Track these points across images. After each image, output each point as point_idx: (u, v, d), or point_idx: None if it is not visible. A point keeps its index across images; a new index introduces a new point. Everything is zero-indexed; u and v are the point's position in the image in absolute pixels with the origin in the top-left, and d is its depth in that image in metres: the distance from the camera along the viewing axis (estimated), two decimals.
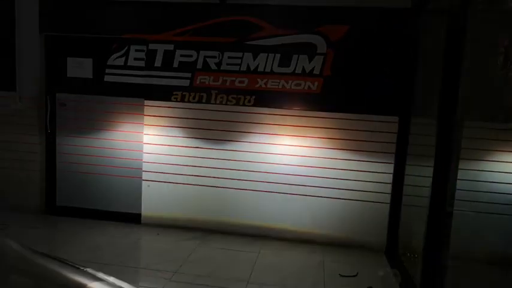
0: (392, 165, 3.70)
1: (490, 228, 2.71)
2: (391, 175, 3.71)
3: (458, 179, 2.39)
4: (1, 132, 4.26)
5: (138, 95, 4.06)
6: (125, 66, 4.07)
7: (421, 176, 3.38)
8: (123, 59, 4.07)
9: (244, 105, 3.90)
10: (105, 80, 4.13)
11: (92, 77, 4.16)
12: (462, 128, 2.39)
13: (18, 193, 4.28)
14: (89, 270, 1.35)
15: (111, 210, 4.21)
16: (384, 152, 3.72)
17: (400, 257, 3.43)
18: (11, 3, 4.06)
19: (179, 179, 4.07)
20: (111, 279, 1.32)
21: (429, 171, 2.53)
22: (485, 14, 2.53)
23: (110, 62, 4.09)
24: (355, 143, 3.77)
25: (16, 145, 4.27)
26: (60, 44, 4.18)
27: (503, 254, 2.70)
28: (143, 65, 4.01)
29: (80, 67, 4.17)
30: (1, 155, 4.29)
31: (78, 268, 1.34)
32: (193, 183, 4.05)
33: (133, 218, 4.15)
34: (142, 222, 4.14)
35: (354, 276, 3.17)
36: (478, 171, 3.02)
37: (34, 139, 4.27)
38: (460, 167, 2.39)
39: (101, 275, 1.33)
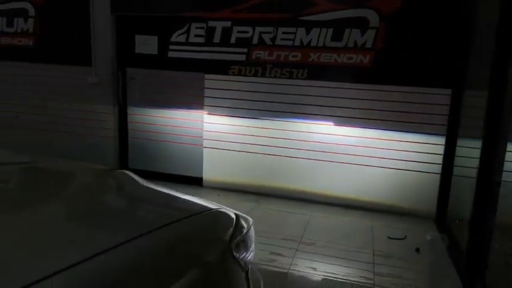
0: (444, 137, 3.80)
1: None
2: (443, 146, 3.81)
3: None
4: (79, 103, 4.81)
5: (198, 69, 4.39)
6: (187, 43, 4.40)
7: (472, 147, 3.48)
8: (185, 36, 4.40)
9: (297, 78, 4.12)
10: (168, 55, 4.49)
11: (157, 53, 4.54)
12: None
13: (95, 156, 4.85)
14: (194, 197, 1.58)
15: (176, 173, 4.67)
16: (436, 124, 3.81)
17: (449, 224, 3.59)
18: None
19: (237, 146, 4.42)
20: (214, 203, 1.51)
21: (480, 143, 2.65)
22: None
23: (173, 39, 4.44)
24: (407, 115, 3.88)
25: (93, 114, 4.81)
26: (129, 23, 4.57)
27: None
28: (203, 41, 4.32)
29: (146, 44, 4.56)
30: (80, 123, 4.87)
31: (186, 194, 1.58)
32: (250, 150, 4.38)
33: (196, 181, 4.60)
34: (203, 185, 4.59)
35: (402, 239, 3.40)
36: None
37: (108, 109, 4.78)
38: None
39: (204, 199, 1.55)
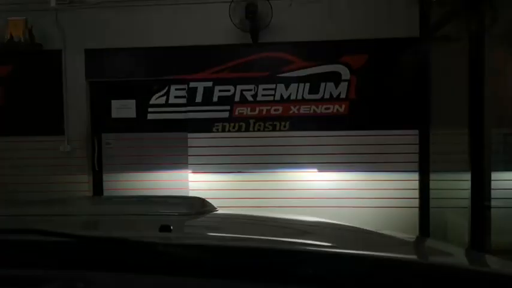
0: (417, 173, 4.22)
1: None
2: (417, 182, 4.22)
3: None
4: (52, 174, 4.51)
5: (181, 129, 4.44)
6: (167, 104, 4.47)
7: (444, 180, 3.92)
8: (165, 97, 4.47)
9: (280, 130, 4.36)
10: (148, 118, 4.50)
11: (135, 116, 4.52)
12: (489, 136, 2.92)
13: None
14: None
15: None
16: (409, 162, 4.23)
17: None
18: (58, 55, 4.41)
19: (224, 202, 4.42)
20: None
21: (452, 176, 3.03)
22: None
23: (152, 102, 4.48)
24: (382, 156, 4.27)
25: (66, 185, 4.52)
26: (104, 89, 4.54)
27: None
28: (184, 101, 4.42)
29: (123, 108, 4.53)
30: (54, 196, 4.53)
31: None
32: (238, 205, 4.41)
33: None
34: None
35: None
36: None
37: (83, 178, 4.55)
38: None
39: None
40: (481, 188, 2.91)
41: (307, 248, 0.91)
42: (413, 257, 1.16)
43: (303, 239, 1.18)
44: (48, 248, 0.80)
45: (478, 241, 2.94)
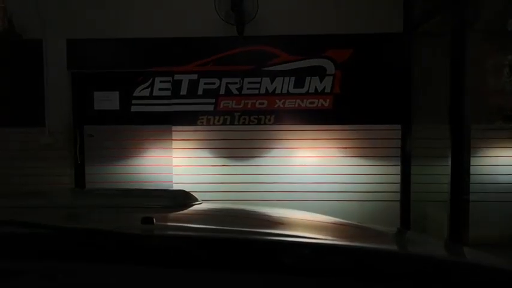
0: (399, 167, 4.30)
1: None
2: (399, 176, 4.30)
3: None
4: (32, 166, 4.43)
5: (165, 122, 4.41)
6: (151, 97, 4.42)
7: (424, 174, 4.00)
8: (149, 90, 4.42)
9: (265, 124, 4.37)
10: (132, 110, 4.44)
11: (118, 109, 4.46)
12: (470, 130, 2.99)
13: None
14: None
15: None
16: (392, 156, 4.31)
17: None
18: (39, 44, 4.30)
19: (210, 196, 4.43)
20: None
21: (432, 169, 3.10)
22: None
23: (136, 94, 4.43)
24: (364, 150, 4.33)
25: (47, 178, 4.44)
26: (87, 80, 4.45)
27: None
28: (169, 94, 4.38)
29: (106, 100, 4.46)
30: (34, 188, 4.45)
31: None
32: (223, 198, 4.42)
33: None
34: None
35: None
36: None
37: (64, 171, 4.47)
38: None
39: None
40: (460, 182, 2.98)
41: (286, 238, 0.93)
42: (393, 247, 1.19)
43: (282, 230, 1.20)
44: (27, 239, 0.79)
45: (456, 234, 3.02)
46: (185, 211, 1.42)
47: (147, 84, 4.42)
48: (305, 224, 1.38)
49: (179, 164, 4.43)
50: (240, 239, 0.84)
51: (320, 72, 4.30)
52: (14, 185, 4.38)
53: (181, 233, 0.99)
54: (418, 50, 4.12)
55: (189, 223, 1.30)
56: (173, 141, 4.42)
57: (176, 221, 1.34)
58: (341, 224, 1.45)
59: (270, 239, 0.88)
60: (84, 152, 4.53)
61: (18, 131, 4.41)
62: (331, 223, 1.44)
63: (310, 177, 4.39)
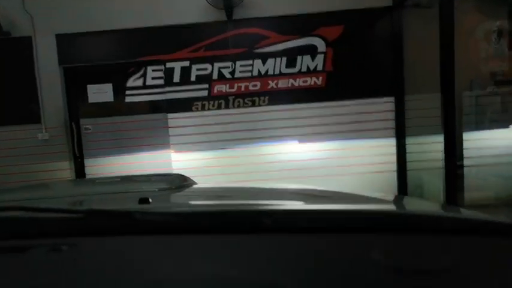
0: (395, 138, 4.35)
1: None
2: (395, 147, 4.36)
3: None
4: (32, 162, 4.47)
5: (160, 110, 4.43)
6: (144, 86, 4.43)
7: (418, 143, 4.06)
8: (142, 79, 4.43)
9: (259, 105, 4.40)
10: (126, 101, 4.46)
11: (113, 100, 4.48)
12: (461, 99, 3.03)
13: None
14: None
15: None
16: (386, 128, 4.36)
17: None
18: (28, 41, 4.29)
19: (210, 180, 4.49)
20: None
21: (426, 139, 3.16)
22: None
23: (129, 84, 4.44)
24: (361, 124, 4.38)
25: (47, 173, 4.50)
26: (79, 74, 4.46)
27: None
28: (162, 82, 4.40)
29: (100, 92, 4.48)
30: (35, 183, 4.51)
31: None
32: (223, 181, 4.48)
33: None
34: None
35: None
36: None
37: (64, 165, 4.52)
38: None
39: None
40: (453, 149, 3.04)
41: (281, 207, 0.98)
42: (393, 208, 1.24)
43: (279, 201, 1.25)
44: (32, 222, 0.84)
45: (452, 198, 3.09)
46: (181, 192, 1.47)
47: (139, 74, 4.42)
48: (297, 193, 1.43)
49: (177, 150, 4.48)
50: (231, 210, 0.89)
51: (311, 51, 4.31)
52: (15, 182, 4.43)
53: (175, 209, 1.04)
54: (408, 22, 4.12)
55: (183, 201, 1.36)
56: (170, 128, 4.46)
57: (171, 199, 1.39)
58: (338, 193, 1.50)
59: (259, 209, 0.93)
60: (82, 146, 4.57)
61: (15, 129, 4.43)
62: (330, 192, 1.49)
63: (307, 155, 4.45)
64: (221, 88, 4.38)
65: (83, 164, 4.61)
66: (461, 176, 3.01)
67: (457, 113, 3.00)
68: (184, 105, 4.40)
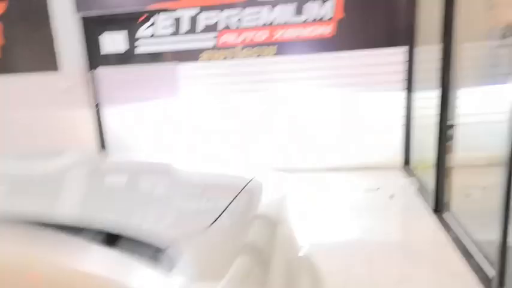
0: (404, 91, 4.18)
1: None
2: (404, 100, 4.20)
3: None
4: (54, 109, 4.82)
5: (170, 59, 4.54)
6: (155, 36, 4.52)
7: (427, 98, 3.88)
8: (152, 28, 4.51)
9: (267, 56, 4.36)
10: (138, 50, 4.60)
11: (127, 49, 4.63)
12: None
13: None
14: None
15: None
16: (395, 81, 4.18)
17: (414, 171, 4.03)
18: None
19: (216, 127, 4.64)
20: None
21: (433, 94, 3.02)
22: None
23: (139, 34, 4.55)
24: (369, 76, 4.23)
25: (68, 120, 4.84)
26: (93, 23, 4.61)
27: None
28: (171, 32, 4.45)
29: (114, 41, 4.64)
30: (57, 130, 4.88)
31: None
32: (228, 129, 4.61)
33: None
34: None
35: (377, 189, 3.79)
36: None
37: (84, 113, 4.84)
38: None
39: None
40: (445, 105, 2.92)
41: None
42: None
43: None
44: None
45: (441, 158, 3.03)
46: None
47: (150, 23, 4.50)
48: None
49: (187, 99, 4.63)
50: None
51: None
52: (38, 132, 4.81)
53: None
54: None
55: None
56: (181, 78, 4.58)
57: None
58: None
59: None
60: (100, 94, 4.84)
61: (35, 76, 4.74)
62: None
63: (314, 107, 4.43)
64: (228, 38, 4.36)
65: (101, 112, 4.91)
66: (451, 135, 2.90)
67: (451, 68, 2.83)
68: (192, 55, 4.47)
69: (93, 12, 4.54)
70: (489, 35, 3.15)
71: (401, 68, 4.14)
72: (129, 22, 4.52)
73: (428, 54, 3.38)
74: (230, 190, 1.54)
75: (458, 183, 3.06)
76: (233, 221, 1.34)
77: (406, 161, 4.31)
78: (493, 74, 2.51)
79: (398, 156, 4.34)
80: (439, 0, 2.88)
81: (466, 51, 2.88)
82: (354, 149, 4.45)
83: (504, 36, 2.83)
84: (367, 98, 4.31)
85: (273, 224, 1.44)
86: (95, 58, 4.73)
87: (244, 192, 1.53)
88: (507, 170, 1.88)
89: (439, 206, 3.10)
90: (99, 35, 4.63)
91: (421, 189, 3.60)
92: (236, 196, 1.48)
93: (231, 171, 1.86)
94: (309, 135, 4.51)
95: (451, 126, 2.90)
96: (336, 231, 3.05)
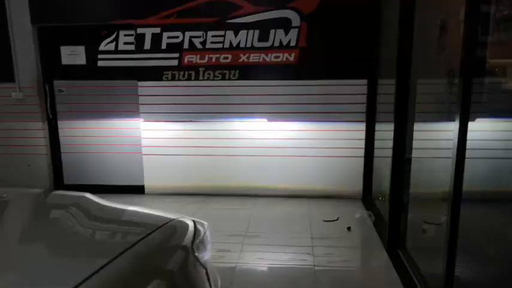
0: (364, 123, 4.18)
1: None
2: (364, 132, 4.20)
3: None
4: (5, 121, 4.57)
5: (131, 77, 4.39)
6: (116, 51, 4.38)
7: (388, 130, 3.88)
8: (114, 44, 4.37)
9: (229, 79, 4.28)
10: (98, 65, 4.44)
11: (85, 63, 4.46)
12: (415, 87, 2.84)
13: (28, 176, 4.65)
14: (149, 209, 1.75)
15: (117, 184, 4.63)
16: (356, 112, 4.19)
17: (374, 202, 3.98)
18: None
19: (176, 151, 4.49)
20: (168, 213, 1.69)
21: (390, 126, 3.00)
22: None
23: (101, 48, 4.39)
24: (331, 106, 4.22)
25: (21, 132, 4.60)
26: (53, 34, 4.43)
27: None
28: (133, 48, 4.33)
29: (73, 55, 4.46)
30: (8, 142, 4.63)
31: (143, 207, 1.74)
32: (190, 153, 4.47)
33: (138, 189, 4.59)
34: (146, 192, 4.59)
35: (335, 220, 3.71)
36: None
37: (38, 125, 4.60)
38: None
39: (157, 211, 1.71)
40: (402, 140, 2.89)
41: None
42: None
43: None
44: None
45: (396, 191, 2.98)
46: None
47: (112, 38, 4.36)
48: None
49: (147, 119, 4.47)
50: None
51: (285, 25, 4.11)
52: None
53: None
54: (387, 1, 3.85)
55: None
56: (140, 96, 4.43)
57: None
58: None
59: None
60: (56, 107, 4.62)
61: None
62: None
63: (276, 133, 4.36)
64: (192, 58, 4.27)
65: (57, 125, 4.68)
66: (408, 168, 2.87)
67: (409, 102, 2.82)
68: (154, 74, 4.34)
69: (52, 24, 4.38)
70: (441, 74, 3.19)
71: (363, 99, 4.16)
72: (90, 35, 4.37)
73: (389, 87, 3.39)
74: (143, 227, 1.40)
75: (416, 217, 3.01)
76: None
77: (367, 192, 4.27)
78: (444, 110, 2.51)
79: (358, 187, 4.30)
80: (396, 38, 2.91)
81: (421, 87, 2.88)
82: (314, 176, 4.38)
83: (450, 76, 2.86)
84: (328, 127, 4.28)
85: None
86: (52, 70, 4.52)
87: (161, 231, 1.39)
88: (451, 205, 1.82)
89: (392, 242, 3.02)
90: (58, 47, 4.45)
91: (378, 223, 3.53)
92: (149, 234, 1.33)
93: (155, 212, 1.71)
94: (269, 161, 4.41)
95: (408, 159, 2.87)
96: (276, 260, 2.92)
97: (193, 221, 1.57)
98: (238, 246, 3.24)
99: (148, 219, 1.60)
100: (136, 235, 1.35)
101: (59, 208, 1.66)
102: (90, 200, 1.68)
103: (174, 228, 1.49)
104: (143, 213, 1.67)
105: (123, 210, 1.65)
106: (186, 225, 1.52)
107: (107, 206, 1.64)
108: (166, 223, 1.49)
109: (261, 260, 3.07)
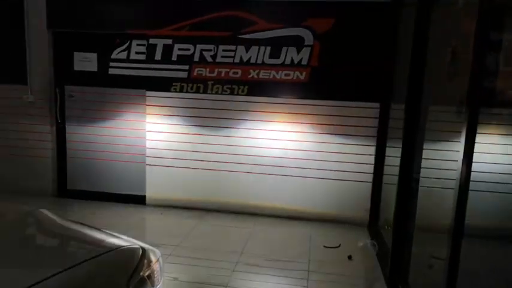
0: (374, 148, 4.03)
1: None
2: (373, 156, 4.04)
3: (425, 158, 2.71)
4: (15, 122, 4.61)
5: (140, 86, 4.38)
6: (128, 60, 4.39)
7: (398, 156, 3.72)
8: (126, 53, 4.38)
9: (238, 94, 4.22)
10: (109, 73, 4.45)
11: (97, 70, 4.48)
12: (426, 113, 2.70)
13: (32, 178, 4.65)
14: (107, 231, 1.69)
15: (118, 192, 4.57)
16: (366, 136, 4.04)
17: (380, 230, 3.78)
18: (19, 1, 4.36)
19: (180, 163, 4.42)
20: (125, 237, 1.64)
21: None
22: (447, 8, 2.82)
23: (113, 56, 4.41)
24: (340, 128, 4.09)
25: (29, 134, 4.62)
26: (67, 40, 4.48)
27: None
28: (144, 58, 4.33)
29: (86, 61, 4.49)
30: (15, 144, 4.65)
31: (99, 229, 1.68)
32: (193, 166, 4.39)
33: (139, 199, 4.52)
34: (147, 203, 4.51)
35: (336, 247, 3.53)
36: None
37: (46, 128, 4.62)
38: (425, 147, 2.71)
39: (115, 234, 1.66)
40: (409, 166, 2.73)
41: None
42: None
43: None
44: None
45: (401, 221, 2.80)
46: None
47: (124, 46, 4.38)
48: None
49: (152, 129, 4.43)
50: None
51: (298, 43, 4.05)
52: None
53: None
54: (405, 22, 3.74)
55: None
56: (147, 106, 4.40)
57: None
58: None
59: None
60: (65, 112, 4.63)
61: (1, 87, 4.56)
62: None
63: (281, 152, 4.25)
64: (201, 71, 4.24)
65: (65, 130, 4.68)
66: (415, 197, 2.70)
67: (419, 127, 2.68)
68: (163, 85, 4.32)
69: (67, 29, 4.43)
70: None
71: (374, 123, 4.02)
72: (103, 43, 4.40)
73: (401, 112, 3.26)
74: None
75: (421, 250, 2.82)
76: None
77: (373, 220, 4.08)
78: (452, 139, 2.37)
79: (365, 213, 4.11)
80: (409, 63, 2.79)
81: (432, 114, 2.74)
82: (320, 199, 4.22)
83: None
84: (337, 149, 4.14)
85: None
86: (64, 75, 4.55)
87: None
88: (452, 239, 1.66)
89: (394, 275, 2.83)
90: (71, 52, 4.49)
91: (381, 254, 3.34)
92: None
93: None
94: (273, 180, 4.29)
95: (416, 188, 2.71)
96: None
97: (143, 250, 1.45)
98: (231, 265, 3.10)
99: (93, 244, 1.48)
100: (71, 260, 1.25)
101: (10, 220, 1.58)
102: (45, 215, 1.59)
103: (115, 259, 1.36)
104: (92, 236, 1.56)
105: (74, 231, 1.56)
106: (131, 256, 1.40)
107: (58, 224, 1.55)
108: (109, 251, 1.37)
109: (252, 282, 2.92)
